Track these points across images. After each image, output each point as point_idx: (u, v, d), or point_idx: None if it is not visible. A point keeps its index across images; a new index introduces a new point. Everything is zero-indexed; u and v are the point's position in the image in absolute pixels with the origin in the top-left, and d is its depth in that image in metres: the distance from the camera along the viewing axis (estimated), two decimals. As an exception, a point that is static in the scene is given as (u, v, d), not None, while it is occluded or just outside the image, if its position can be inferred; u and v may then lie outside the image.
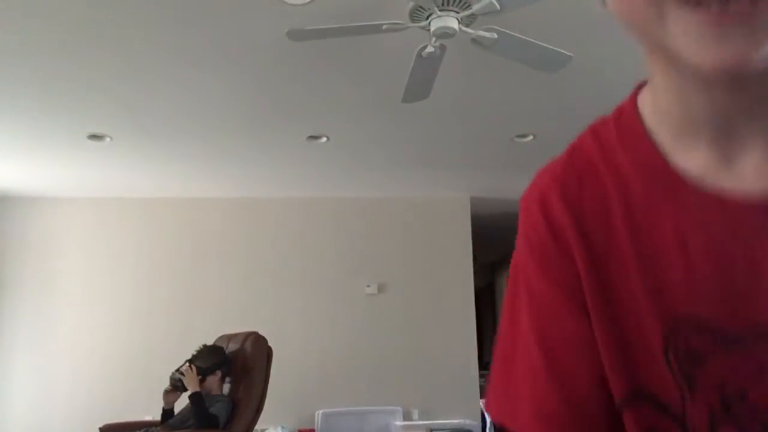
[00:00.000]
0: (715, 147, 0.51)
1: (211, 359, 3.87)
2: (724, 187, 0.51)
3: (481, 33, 2.76)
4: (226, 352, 4.01)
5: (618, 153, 0.57)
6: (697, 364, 0.54)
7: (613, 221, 0.56)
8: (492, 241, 7.81)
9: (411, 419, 5.75)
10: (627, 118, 0.57)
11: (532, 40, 2.85)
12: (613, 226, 0.56)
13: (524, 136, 4.75)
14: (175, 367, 3.82)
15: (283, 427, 5.44)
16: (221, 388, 3.88)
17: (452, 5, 2.65)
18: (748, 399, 0.52)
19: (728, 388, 0.53)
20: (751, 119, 0.49)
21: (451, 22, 2.67)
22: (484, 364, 6.53)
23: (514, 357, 0.63)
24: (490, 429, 6.20)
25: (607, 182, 0.57)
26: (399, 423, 5.63)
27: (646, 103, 0.56)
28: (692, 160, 0.52)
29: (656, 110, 0.55)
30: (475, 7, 2.61)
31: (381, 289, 6.01)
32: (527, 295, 0.62)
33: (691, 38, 0.41)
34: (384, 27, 2.72)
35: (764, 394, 0.51)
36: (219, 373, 3.86)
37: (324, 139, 4.72)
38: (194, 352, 3.91)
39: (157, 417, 3.96)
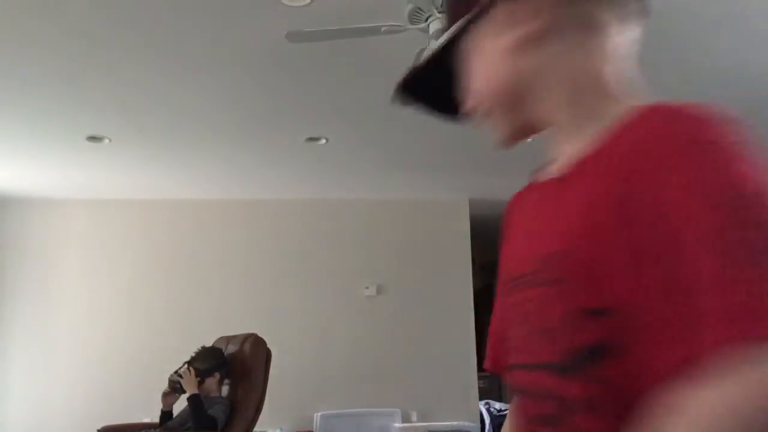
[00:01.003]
0: (556, 153, 0.75)
1: (210, 361, 3.86)
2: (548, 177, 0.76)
3: (480, 35, 2.76)
4: (225, 353, 4.00)
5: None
6: (500, 303, 0.80)
7: (513, 216, 0.83)
8: (491, 243, 7.79)
9: (410, 421, 5.74)
10: None
11: (531, 42, 2.85)
12: (512, 220, 0.82)
13: (523, 137, 4.74)
14: (174, 369, 3.81)
15: (281, 429, 5.43)
16: (220, 390, 3.88)
17: (451, 7, 2.64)
18: (510, 334, 0.74)
19: (505, 323, 0.76)
20: (568, 137, 0.74)
21: (450, 24, 2.66)
22: (482, 366, 6.51)
23: None
24: (489, 430, 6.19)
25: (529, 194, 0.82)
26: (398, 425, 5.63)
27: None
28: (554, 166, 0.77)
29: None
30: (474, 9, 2.60)
31: (380, 290, 6.00)
32: None
33: None
34: (383, 29, 2.72)
35: (516, 331, 0.72)
36: (218, 375, 3.86)
37: (323, 141, 4.72)
38: (193, 354, 3.90)
39: (156, 419, 3.95)
